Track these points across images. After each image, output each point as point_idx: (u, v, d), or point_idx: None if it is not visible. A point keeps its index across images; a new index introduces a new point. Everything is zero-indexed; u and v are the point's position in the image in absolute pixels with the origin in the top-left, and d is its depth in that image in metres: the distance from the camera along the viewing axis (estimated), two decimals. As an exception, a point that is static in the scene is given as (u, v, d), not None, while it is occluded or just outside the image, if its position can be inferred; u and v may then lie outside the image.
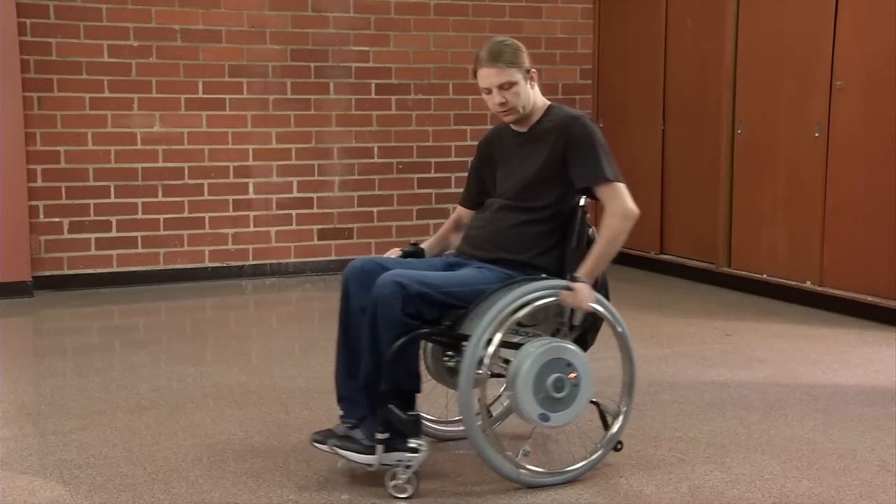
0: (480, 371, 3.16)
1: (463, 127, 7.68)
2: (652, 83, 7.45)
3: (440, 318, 3.21)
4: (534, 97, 3.43)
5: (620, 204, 3.30)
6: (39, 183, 6.70)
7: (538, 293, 3.24)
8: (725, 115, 6.75)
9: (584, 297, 3.22)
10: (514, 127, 3.49)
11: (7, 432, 3.87)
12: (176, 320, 6.26)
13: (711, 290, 6.82)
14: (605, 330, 3.45)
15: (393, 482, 3.20)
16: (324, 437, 3.32)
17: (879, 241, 5.71)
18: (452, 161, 7.69)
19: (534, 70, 3.41)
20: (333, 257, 7.49)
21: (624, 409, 3.45)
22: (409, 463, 3.17)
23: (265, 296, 6.87)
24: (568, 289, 3.23)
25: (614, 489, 3.31)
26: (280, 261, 7.37)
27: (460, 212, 3.74)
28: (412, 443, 3.18)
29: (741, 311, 6.18)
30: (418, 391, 3.25)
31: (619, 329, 3.39)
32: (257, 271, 7.30)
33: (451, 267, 3.43)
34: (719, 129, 6.79)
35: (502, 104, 3.37)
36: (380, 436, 3.15)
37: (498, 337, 3.16)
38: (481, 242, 3.43)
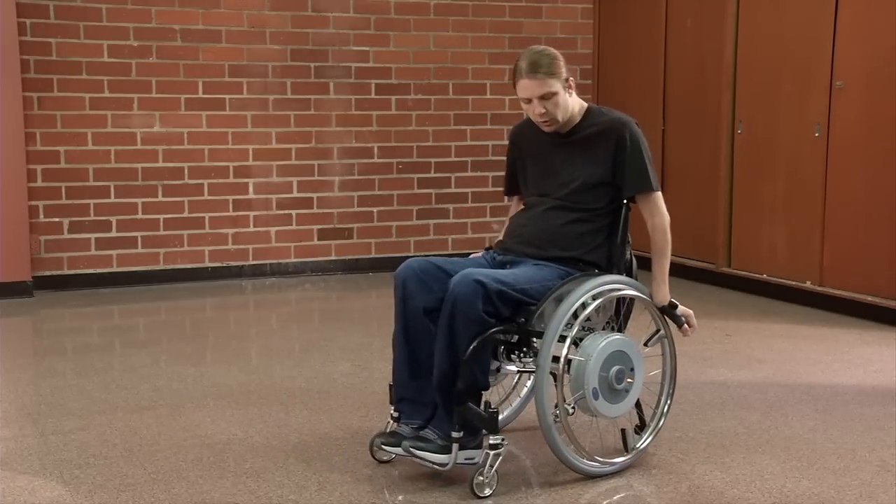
0: (556, 365, 3.23)
1: (463, 127, 7.68)
2: (652, 83, 7.45)
3: (513, 315, 3.26)
4: (571, 103, 3.48)
5: (660, 218, 3.54)
6: (39, 183, 6.70)
7: (604, 287, 3.37)
8: (725, 115, 6.75)
9: (692, 319, 3.56)
10: (548, 130, 3.51)
11: (7, 432, 3.87)
12: (176, 320, 6.26)
13: (711, 290, 6.82)
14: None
15: (477, 479, 3.18)
16: (391, 440, 3.29)
17: (879, 241, 5.71)
18: (452, 161, 7.69)
19: (571, 78, 3.46)
20: (333, 257, 7.49)
21: (665, 408, 3.59)
22: (492, 461, 3.18)
23: (265, 296, 6.87)
24: (640, 288, 3.51)
25: (614, 489, 3.31)
26: (280, 261, 7.37)
27: (512, 204, 3.83)
28: (493, 439, 3.19)
29: (741, 311, 6.18)
30: (487, 388, 3.27)
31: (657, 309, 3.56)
32: (257, 271, 7.30)
33: (503, 265, 3.46)
34: (719, 129, 6.79)
35: (542, 115, 3.42)
36: (455, 434, 3.15)
37: (573, 331, 3.25)
38: (533, 240, 3.48)
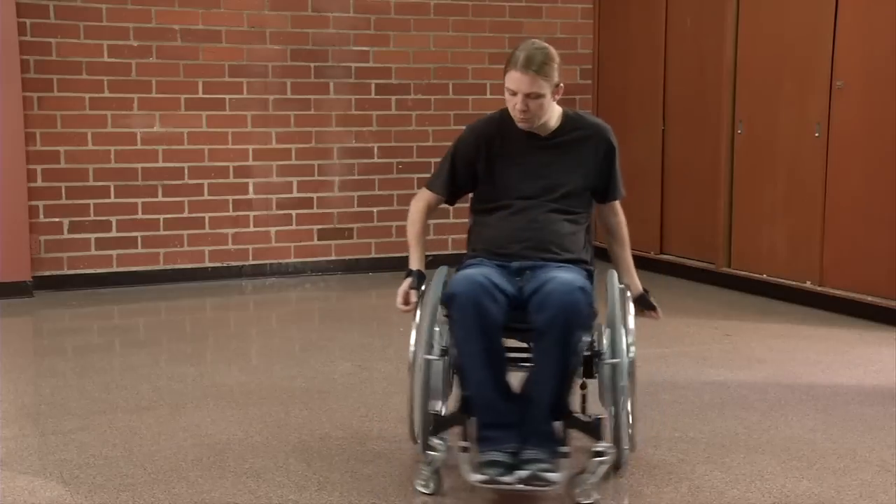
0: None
1: (463, 127, 7.64)
2: (652, 83, 7.45)
3: None
4: (553, 108, 3.43)
5: (623, 216, 3.62)
6: (39, 183, 6.70)
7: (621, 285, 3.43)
8: (725, 115, 6.75)
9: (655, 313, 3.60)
10: (523, 127, 3.43)
11: (7, 432, 3.87)
12: (176, 320, 6.26)
13: (711, 290, 6.82)
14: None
15: (581, 488, 3.09)
16: (498, 470, 3.04)
17: (879, 241, 5.71)
18: (452, 161, 7.67)
19: (562, 84, 3.39)
20: (333, 257, 7.49)
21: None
22: (598, 468, 3.12)
23: (265, 296, 6.87)
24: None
25: (614, 489, 3.31)
26: (280, 261, 7.37)
27: (429, 199, 3.58)
28: (598, 446, 3.15)
29: (741, 311, 6.18)
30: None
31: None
32: (257, 271, 7.30)
33: (520, 272, 3.34)
34: (719, 129, 6.79)
35: (523, 111, 3.35)
36: (564, 449, 3.11)
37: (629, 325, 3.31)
38: (544, 244, 3.38)
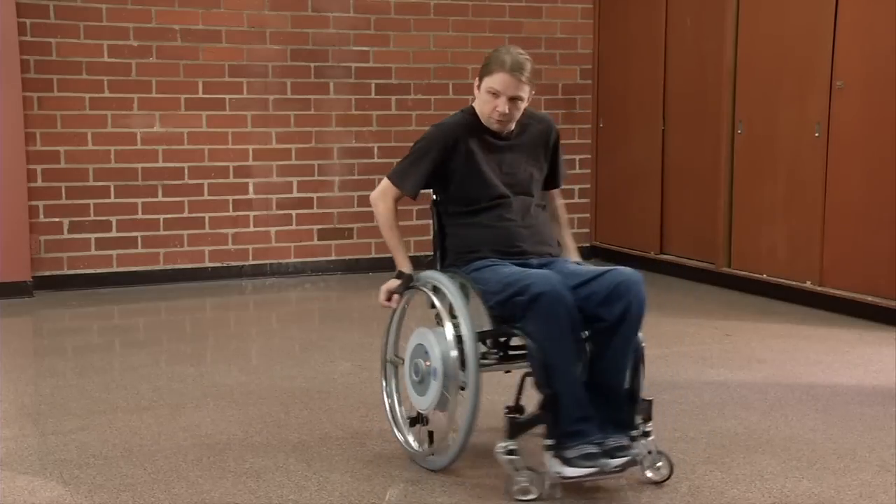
0: None
1: (463, 127, 7.67)
2: (652, 83, 7.45)
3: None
4: None
5: (563, 202, 3.79)
6: (39, 183, 6.70)
7: None
8: (725, 115, 6.75)
9: None
10: (496, 129, 3.47)
11: (7, 432, 3.87)
12: (176, 320, 6.26)
13: (711, 290, 6.82)
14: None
15: (649, 470, 3.30)
16: (598, 461, 3.10)
17: (879, 241, 5.71)
18: (452, 161, 7.67)
19: (533, 91, 3.48)
20: (333, 257, 7.49)
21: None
22: (654, 446, 3.30)
23: (265, 296, 6.87)
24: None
25: (614, 489, 3.31)
26: (280, 261, 7.37)
27: (396, 197, 3.58)
28: (647, 427, 3.31)
29: (741, 311, 6.18)
30: None
31: None
32: (257, 271, 7.30)
33: (541, 268, 3.40)
34: (719, 129, 6.79)
35: (503, 114, 3.40)
36: (636, 432, 3.26)
37: None
38: (546, 239, 3.56)
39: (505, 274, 3.28)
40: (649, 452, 3.29)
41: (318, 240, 7.47)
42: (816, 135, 6.05)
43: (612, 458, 3.12)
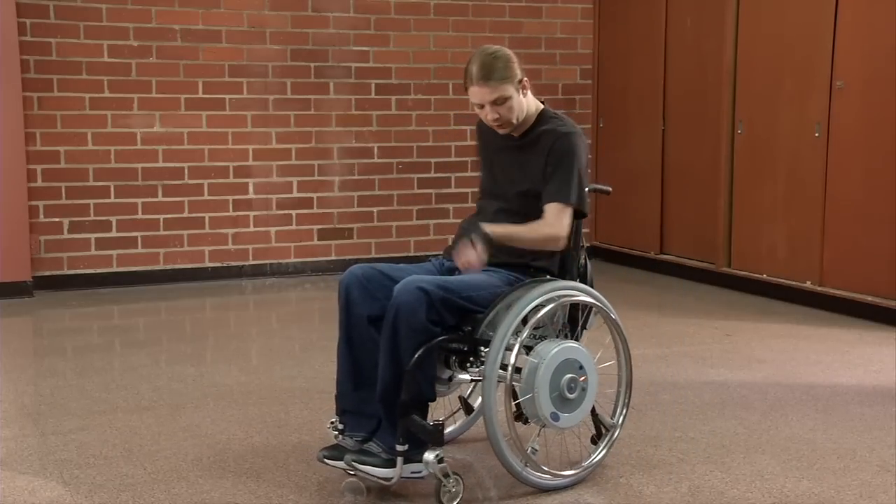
0: (504, 373, 3.13)
1: (463, 127, 7.68)
2: (652, 83, 7.45)
3: (459, 324, 3.16)
4: (527, 104, 3.38)
5: (558, 226, 3.27)
6: (39, 183, 6.70)
7: (555, 293, 3.25)
8: (725, 115, 6.75)
9: (475, 253, 3.13)
10: (502, 132, 3.44)
11: (7, 432, 3.87)
12: (176, 320, 6.26)
13: (711, 290, 6.82)
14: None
15: (444, 491, 3.11)
16: (335, 453, 3.21)
17: (879, 241, 5.71)
18: (452, 161, 7.69)
19: (525, 79, 3.34)
20: (333, 257, 7.49)
21: (620, 419, 3.47)
22: (441, 472, 3.09)
23: (265, 296, 6.87)
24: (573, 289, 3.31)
25: (614, 489, 3.31)
26: (280, 261, 7.37)
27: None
28: (433, 452, 3.07)
29: (741, 311, 6.19)
30: (434, 400, 3.19)
31: (613, 316, 3.42)
32: (257, 271, 7.30)
33: (451, 271, 3.34)
34: (719, 129, 6.79)
35: (496, 119, 3.34)
36: (400, 448, 3.06)
37: (522, 338, 3.13)
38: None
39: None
40: (414, 475, 3.15)
41: (318, 240, 7.47)
42: (816, 135, 6.05)
43: (338, 460, 3.18)
